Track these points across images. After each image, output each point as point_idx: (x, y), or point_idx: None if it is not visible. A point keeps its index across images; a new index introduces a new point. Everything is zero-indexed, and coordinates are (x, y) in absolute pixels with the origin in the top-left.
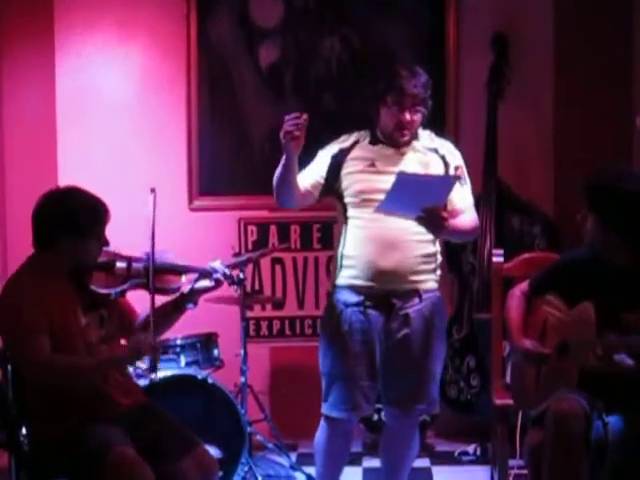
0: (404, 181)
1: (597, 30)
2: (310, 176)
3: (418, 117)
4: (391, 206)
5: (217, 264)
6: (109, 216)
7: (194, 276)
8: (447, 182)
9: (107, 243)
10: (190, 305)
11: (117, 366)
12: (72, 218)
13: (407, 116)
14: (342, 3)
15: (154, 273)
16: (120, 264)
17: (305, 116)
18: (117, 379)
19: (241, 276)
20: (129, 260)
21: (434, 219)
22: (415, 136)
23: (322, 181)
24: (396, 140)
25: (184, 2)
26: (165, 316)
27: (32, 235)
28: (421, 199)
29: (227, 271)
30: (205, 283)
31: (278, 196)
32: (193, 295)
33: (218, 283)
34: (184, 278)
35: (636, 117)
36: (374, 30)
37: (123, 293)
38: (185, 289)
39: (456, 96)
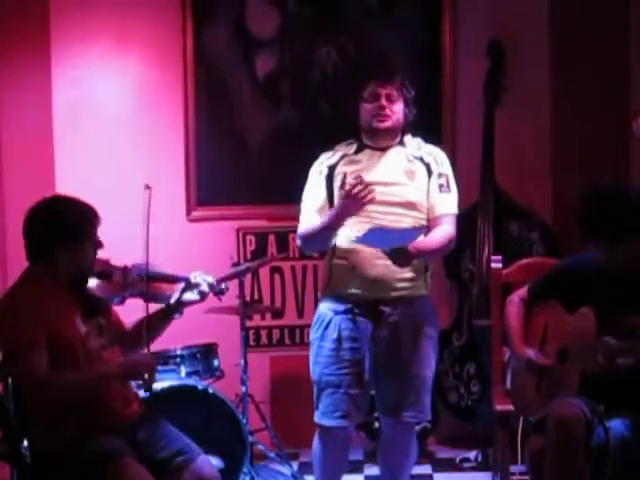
0: (375, 232)
1: (593, 36)
2: (314, 210)
3: (397, 108)
4: (366, 243)
5: (199, 277)
6: (100, 218)
7: (180, 286)
8: (412, 234)
9: (101, 245)
10: (177, 315)
11: (115, 381)
12: (65, 224)
13: (383, 100)
14: (338, 12)
15: (149, 282)
16: (116, 273)
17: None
18: (117, 389)
19: (223, 286)
20: (124, 269)
21: (401, 256)
22: (401, 142)
23: (327, 207)
24: (376, 129)
25: (180, 14)
26: (153, 326)
27: (25, 249)
28: (391, 242)
29: (210, 280)
30: (191, 296)
31: (310, 248)
32: (179, 305)
33: (203, 296)
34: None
35: (633, 122)
36: (370, 39)
37: (122, 301)
38: (172, 299)
39: (452, 104)
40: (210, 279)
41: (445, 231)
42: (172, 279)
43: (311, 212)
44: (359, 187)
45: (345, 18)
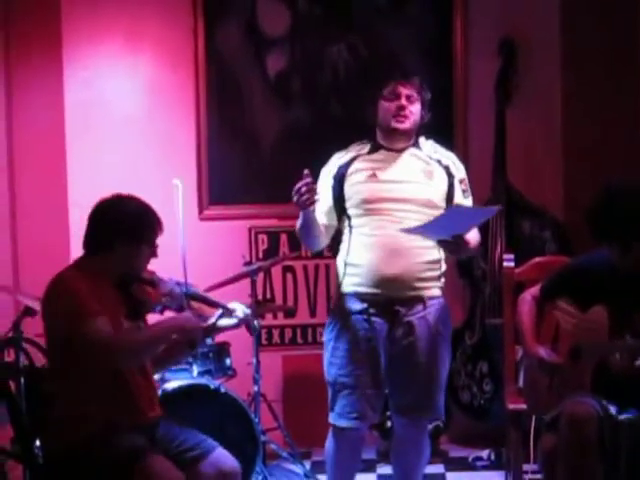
0: (454, 212)
1: (604, 34)
2: (321, 210)
3: (415, 109)
4: (424, 230)
5: (238, 307)
6: (162, 229)
7: (216, 312)
8: (491, 212)
9: (156, 254)
10: (208, 339)
11: (168, 338)
12: (131, 222)
13: (403, 100)
14: (348, 10)
15: (190, 299)
16: (162, 284)
17: (308, 175)
18: (145, 390)
19: (256, 324)
20: (169, 282)
21: (458, 243)
22: (416, 144)
23: (333, 207)
24: (394, 129)
25: (191, 13)
26: (179, 347)
27: (85, 238)
28: (456, 226)
29: (247, 311)
30: (228, 322)
31: (307, 245)
32: (213, 330)
33: (239, 322)
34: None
35: None
36: (380, 37)
37: (162, 311)
38: (207, 323)
39: (464, 102)
40: (247, 310)
41: (478, 234)
42: (211, 303)
43: (317, 212)
44: (302, 182)
45: (355, 16)
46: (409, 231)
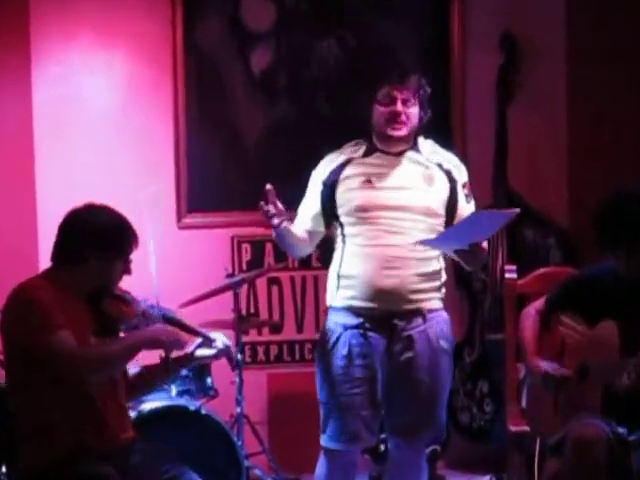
0: (474, 218)
1: (612, 28)
2: (308, 215)
3: (413, 113)
4: (441, 241)
5: (219, 338)
6: (137, 244)
7: (195, 341)
8: (511, 214)
9: (129, 271)
10: (183, 370)
11: (139, 349)
12: (105, 236)
13: (399, 106)
14: (337, 3)
15: (167, 323)
16: (135, 303)
17: (270, 191)
18: (115, 413)
19: (239, 357)
20: (144, 301)
21: (475, 252)
22: (415, 146)
23: (321, 213)
24: (390, 136)
25: (169, 4)
26: (153, 374)
27: (54, 249)
28: (475, 234)
29: (227, 342)
30: (206, 352)
31: (290, 254)
32: (190, 359)
33: (218, 353)
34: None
35: None
36: (373, 31)
37: (135, 328)
38: (185, 351)
39: (462, 101)
40: (227, 341)
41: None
42: (191, 331)
43: (301, 218)
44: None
45: (345, 9)
46: (424, 243)
